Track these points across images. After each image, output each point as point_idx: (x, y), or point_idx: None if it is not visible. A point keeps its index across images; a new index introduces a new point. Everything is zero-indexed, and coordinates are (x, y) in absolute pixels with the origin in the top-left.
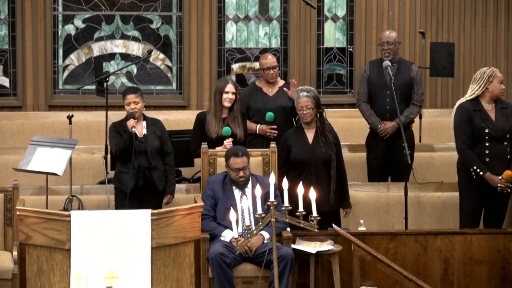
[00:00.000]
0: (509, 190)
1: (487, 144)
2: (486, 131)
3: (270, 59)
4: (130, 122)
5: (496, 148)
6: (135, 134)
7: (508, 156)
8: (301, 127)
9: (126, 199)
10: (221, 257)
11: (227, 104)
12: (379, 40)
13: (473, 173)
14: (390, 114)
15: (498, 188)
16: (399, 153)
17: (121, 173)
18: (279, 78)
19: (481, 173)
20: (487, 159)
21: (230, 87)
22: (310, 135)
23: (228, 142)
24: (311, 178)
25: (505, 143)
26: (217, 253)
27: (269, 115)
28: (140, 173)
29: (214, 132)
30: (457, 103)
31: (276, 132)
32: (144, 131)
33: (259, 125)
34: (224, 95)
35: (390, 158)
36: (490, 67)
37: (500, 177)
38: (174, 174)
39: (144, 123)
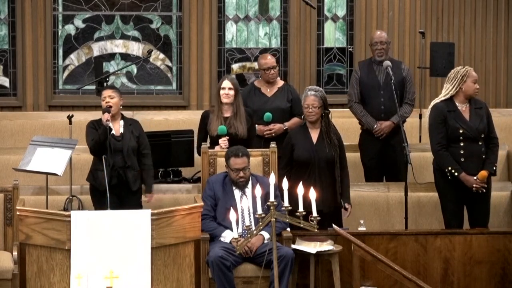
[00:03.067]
0: (484, 191)
1: (461, 144)
2: (461, 131)
3: (269, 59)
4: (105, 116)
5: (471, 148)
6: (110, 129)
7: (484, 156)
8: (305, 126)
9: (101, 197)
10: (221, 260)
11: (225, 100)
12: (370, 40)
13: (448, 174)
14: (385, 114)
15: (474, 189)
16: (394, 152)
17: (97, 170)
18: (278, 78)
19: (456, 173)
20: (462, 159)
21: (225, 83)
22: (314, 135)
23: (222, 141)
24: (314, 178)
25: (480, 143)
26: (216, 256)
27: (267, 115)
28: (114, 172)
29: (214, 130)
30: (431, 104)
31: (274, 132)
32: (121, 130)
33: (256, 125)
34: (221, 91)
35: (385, 158)
36: (464, 66)
37: (475, 178)
38: (152, 174)
39: (122, 122)
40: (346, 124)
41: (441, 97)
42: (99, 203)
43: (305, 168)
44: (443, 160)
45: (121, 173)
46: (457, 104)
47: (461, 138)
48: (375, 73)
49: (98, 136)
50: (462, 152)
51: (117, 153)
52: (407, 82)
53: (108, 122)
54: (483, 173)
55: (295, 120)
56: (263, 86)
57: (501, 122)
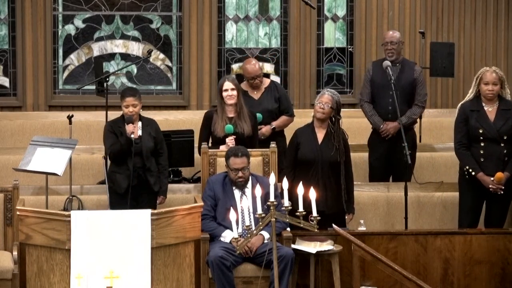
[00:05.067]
0: (501, 192)
1: (482, 145)
2: (480, 131)
3: (253, 70)
4: (129, 128)
5: (491, 149)
6: (134, 140)
7: (506, 158)
8: (312, 126)
9: (120, 200)
10: (221, 260)
11: (230, 101)
12: (382, 40)
13: (466, 173)
14: (392, 115)
15: (490, 189)
16: (400, 153)
17: (115, 173)
18: (265, 78)
19: (473, 173)
20: (482, 159)
21: (227, 85)
22: (320, 135)
23: (230, 140)
24: (317, 178)
25: (502, 144)
26: (216, 256)
27: (258, 116)
28: (134, 174)
29: (221, 131)
30: (460, 103)
31: (262, 134)
32: (140, 132)
33: None
34: (224, 93)
35: (391, 159)
36: (491, 66)
37: (492, 179)
38: (167, 174)
39: (140, 123)
40: (346, 124)
41: (467, 97)
42: (117, 205)
43: (308, 168)
44: (462, 159)
45: (141, 174)
46: (483, 104)
47: (481, 138)
48: (386, 73)
49: (119, 146)
50: (481, 152)
51: (136, 155)
52: (418, 83)
53: (132, 135)
54: (499, 175)
55: (283, 118)
56: (249, 88)
57: None
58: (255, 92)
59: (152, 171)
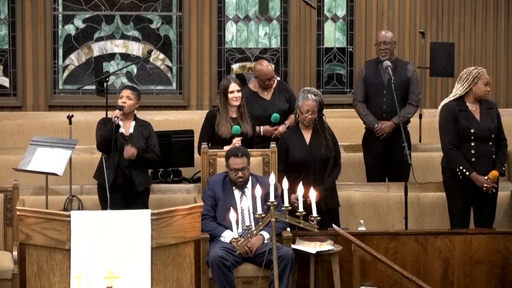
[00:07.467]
0: (494, 191)
1: (472, 144)
2: (472, 131)
3: (269, 71)
4: (115, 112)
5: (482, 148)
6: (118, 126)
7: (494, 156)
8: (297, 128)
9: (106, 194)
10: (221, 260)
11: (235, 103)
12: (376, 40)
13: (459, 173)
14: (386, 114)
15: (484, 188)
16: (396, 153)
17: (105, 168)
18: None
19: (467, 173)
20: (473, 159)
21: (234, 86)
22: (307, 135)
23: (237, 141)
24: (309, 178)
25: (490, 143)
26: (216, 256)
27: (275, 116)
28: (119, 171)
29: (226, 132)
30: (442, 103)
31: (279, 134)
32: (131, 130)
33: (262, 126)
34: (230, 95)
35: (387, 158)
36: (478, 66)
37: (486, 177)
38: (153, 156)
39: (133, 123)
40: (346, 124)
41: (451, 96)
42: (105, 202)
43: (300, 169)
44: (455, 159)
45: (127, 173)
46: (467, 104)
47: (472, 138)
48: (380, 73)
49: (106, 132)
50: (473, 152)
51: (123, 153)
52: (412, 83)
53: (116, 119)
54: (494, 173)
55: (292, 117)
56: (259, 89)
57: (501, 122)
58: (266, 93)
59: (139, 170)
